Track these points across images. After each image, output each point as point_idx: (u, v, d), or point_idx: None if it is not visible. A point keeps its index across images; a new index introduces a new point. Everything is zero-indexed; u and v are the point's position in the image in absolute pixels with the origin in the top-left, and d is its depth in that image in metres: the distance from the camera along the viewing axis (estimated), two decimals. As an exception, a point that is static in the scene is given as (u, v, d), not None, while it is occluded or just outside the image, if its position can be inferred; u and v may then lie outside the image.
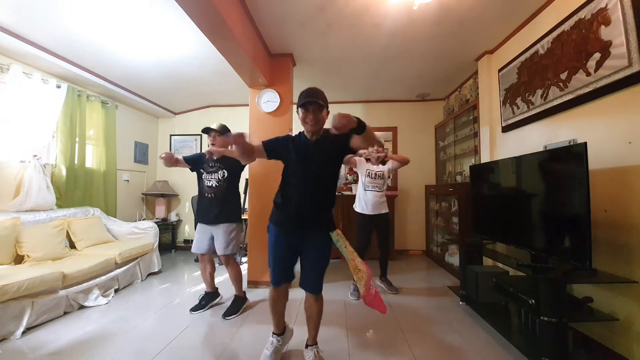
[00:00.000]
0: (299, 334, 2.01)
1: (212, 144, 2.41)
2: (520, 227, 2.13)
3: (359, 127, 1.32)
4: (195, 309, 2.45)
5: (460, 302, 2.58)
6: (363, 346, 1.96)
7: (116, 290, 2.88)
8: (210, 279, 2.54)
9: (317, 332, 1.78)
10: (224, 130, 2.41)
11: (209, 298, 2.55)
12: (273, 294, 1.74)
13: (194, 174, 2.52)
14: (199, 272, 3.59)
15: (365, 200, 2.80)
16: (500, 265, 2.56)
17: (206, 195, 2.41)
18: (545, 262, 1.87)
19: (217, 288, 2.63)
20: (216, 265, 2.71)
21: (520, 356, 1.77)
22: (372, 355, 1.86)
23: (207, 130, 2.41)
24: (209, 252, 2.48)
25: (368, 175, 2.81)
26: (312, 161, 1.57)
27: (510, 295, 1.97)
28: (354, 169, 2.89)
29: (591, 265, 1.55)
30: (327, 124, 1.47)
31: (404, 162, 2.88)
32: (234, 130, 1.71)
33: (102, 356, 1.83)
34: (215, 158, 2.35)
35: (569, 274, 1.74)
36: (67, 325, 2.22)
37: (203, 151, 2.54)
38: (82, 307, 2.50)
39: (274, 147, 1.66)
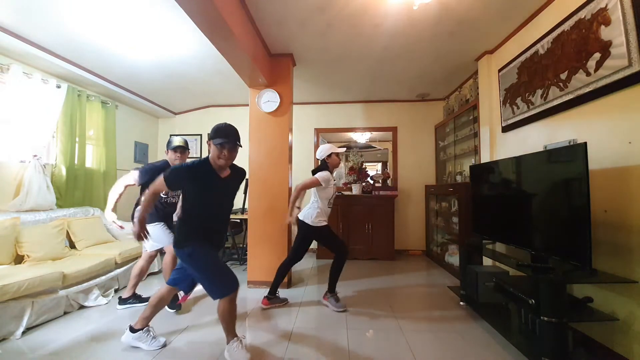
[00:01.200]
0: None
1: (178, 162, 2.42)
2: (520, 227, 2.12)
3: None
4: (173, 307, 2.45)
5: (460, 302, 2.58)
6: (363, 346, 1.96)
7: (116, 290, 2.88)
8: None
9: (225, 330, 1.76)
10: (187, 146, 2.53)
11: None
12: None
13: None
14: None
15: (327, 211, 2.62)
16: (500, 265, 2.56)
17: (167, 209, 2.58)
18: (545, 262, 1.87)
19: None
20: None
21: (520, 356, 1.77)
22: (372, 355, 1.86)
23: (175, 148, 2.43)
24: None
25: (335, 192, 2.68)
26: (227, 194, 1.84)
27: (510, 295, 1.97)
28: (319, 186, 2.54)
29: (591, 265, 1.55)
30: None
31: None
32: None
33: (102, 356, 1.84)
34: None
35: (569, 274, 1.74)
36: (67, 325, 2.22)
37: (157, 162, 2.50)
38: (82, 307, 2.51)
39: (175, 183, 1.73)
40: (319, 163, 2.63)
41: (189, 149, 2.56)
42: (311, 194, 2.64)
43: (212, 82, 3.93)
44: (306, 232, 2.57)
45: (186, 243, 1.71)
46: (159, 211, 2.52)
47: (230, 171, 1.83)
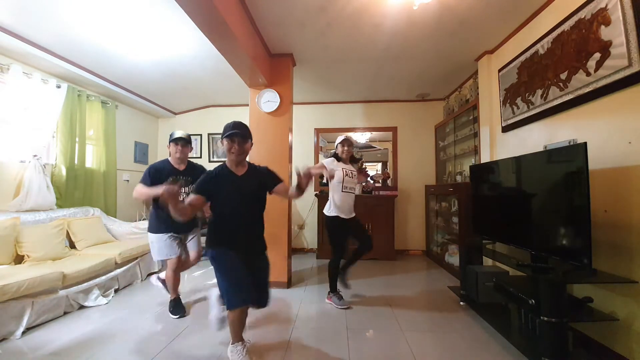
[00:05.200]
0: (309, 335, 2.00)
1: (179, 155, 2.35)
2: (520, 227, 2.12)
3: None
4: (176, 313, 2.39)
5: (460, 302, 2.58)
6: (363, 346, 1.96)
7: (116, 290, 2.88)
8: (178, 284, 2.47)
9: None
10: (190, 140, 2.43)
11: (180, 301, 2.48)
12: (238, 315, 1.65)
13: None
14: (199, 272, 3.63)
15: (343, 202, 2.58)
16: (500, 265, 2.55)
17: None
18: (545, 262, 1.87)
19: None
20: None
21: (520, 356, 1.77)
22: (372, 355, 1.86)
23: (177, 140, 2.33)
24: (181, 254, 2.39)
25: (347, 175, 2.62)
26: (244, 193, 1.71)
27: (510, 295, 1.97)
28: (330, 175, 2.53)
29: (591, 265, 1.55)
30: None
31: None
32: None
33: (102, 356, 1.84)
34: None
35: (569, 274, 1.74)
36: (67, 325, 2.22)
37: (157, 162, 2.44)
38: (82, 307, 2.50)
39: (208, 190, 1.66)
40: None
41: (191, 143, 2.47)
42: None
43: (212, 82, 3.93)
44: (324, 222, 2.72)
45: (211, 246, 1.70)
46: (164, 218, 2.29)
47: (247, 169, 1.77)
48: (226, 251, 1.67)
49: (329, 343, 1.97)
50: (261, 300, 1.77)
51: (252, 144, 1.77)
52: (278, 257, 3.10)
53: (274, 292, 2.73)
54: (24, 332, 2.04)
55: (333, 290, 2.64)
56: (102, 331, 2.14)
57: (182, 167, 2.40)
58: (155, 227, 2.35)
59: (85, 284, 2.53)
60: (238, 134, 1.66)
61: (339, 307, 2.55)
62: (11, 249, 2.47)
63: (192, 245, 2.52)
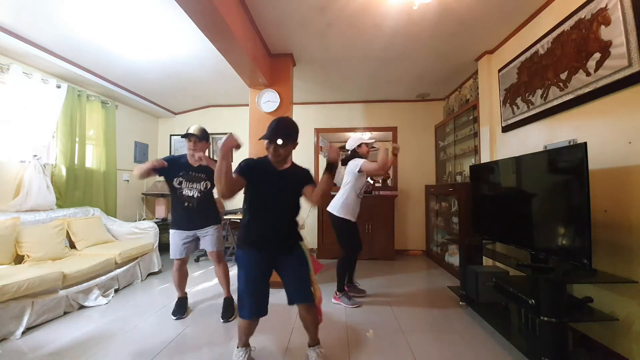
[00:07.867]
0: (303, 333, 2.00)
1: (193, 150, 2.28)
2: (520, 227, 2.12)
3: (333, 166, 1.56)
4: (176, 314, 2.37)
5: (460, 302, 2.58)
6: (363, 346, 1.96)
7: (116, 290, 2.88)
8: (184, 283, 2.50)
9: (317, 333, 1.76)
10: (203, 135, 2.33)
11: (185, 302, 2.48)
12: (247, 324, 1.64)
13: None
14: (199, 272, 3.62)
15: (356, 206, 2.66)
16: (500, 265, 2.55)
17: (185, 204, 2.30)
18: (545, 262, 1.87)
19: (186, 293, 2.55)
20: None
21: (520, 356, 1.77)
22: (372, 355, 1.86)
23: (186, 135, 2.28)
24: (187, 257, 2.40)
25: (367, 181, 2.72)
26: (283, 187, 1.62)
27: (510, 295, 1.97)
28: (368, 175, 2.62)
29: (591, 265, 1.55)
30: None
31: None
32: (233, 129, 1.72)
33: (102, 356, 1.84)
34: (202, 163, 2.23)
35: (569, 274, 1.74)
36: (67, 325, 2.22)
37: (177, 154, 2.44)
38: (82, 307, 2.51)
39: (248, 176, 1.58)
40: (349, 153, 2.71)
41: (206, 139, 2.36)
42: (342, 183, 2.71)
43: (212, 82, 3.93)
44: (333, 222, 2.65)
45: (239, 245, 1.66)
46: (175, 213, 2.37)
47: (290, 166, 1.67)
48: (252, 255, 1.60)
49: (329, 343, 1.97)
50: (296, 297, 1.64)
51: (295, 145, 1.63)
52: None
53: (273, 293, 2.73)
54: (24, 332, 2.04)
55: (341, 289, 2.65)
56: (102, 331, 2.14)
57: (196, 163, 2.33)
58: (173, 224, 2.37)
59: (85, 284, 2.53)
60: (277, 139, 1.54)
61: (350, 306, 2.56)
62: (11, 249, 2.47)
63: (209, 243, 2.38)
